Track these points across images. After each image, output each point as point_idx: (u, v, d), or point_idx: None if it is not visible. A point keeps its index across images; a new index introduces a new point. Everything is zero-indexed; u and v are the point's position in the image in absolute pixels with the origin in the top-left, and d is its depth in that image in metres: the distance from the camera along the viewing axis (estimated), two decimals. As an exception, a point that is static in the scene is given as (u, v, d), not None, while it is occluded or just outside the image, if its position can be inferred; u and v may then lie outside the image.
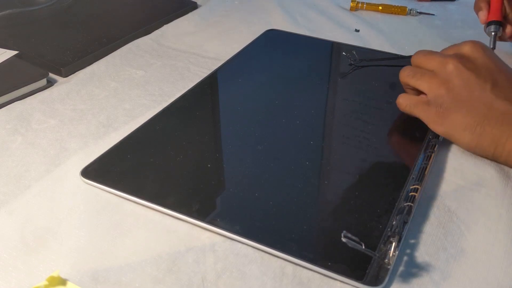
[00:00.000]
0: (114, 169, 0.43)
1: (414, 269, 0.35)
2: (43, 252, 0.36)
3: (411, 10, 0.75)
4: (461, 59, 0.44)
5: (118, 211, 0.40)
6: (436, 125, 0.45)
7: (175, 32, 0.69)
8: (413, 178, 0.42)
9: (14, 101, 0.53)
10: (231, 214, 0.39)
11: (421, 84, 0.46)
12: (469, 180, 0.43)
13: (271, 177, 0.43)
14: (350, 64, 0.60)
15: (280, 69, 0.60)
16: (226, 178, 0.43)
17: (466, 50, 0.45)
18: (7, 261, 0.36)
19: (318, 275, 0.35)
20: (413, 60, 0.48)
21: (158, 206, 0.39)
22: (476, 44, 0.45)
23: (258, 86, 0.56)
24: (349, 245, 0.33)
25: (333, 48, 0.65)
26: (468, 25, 0.71)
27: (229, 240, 0.37)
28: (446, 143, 0.47)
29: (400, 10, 0.76)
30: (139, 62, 0.62)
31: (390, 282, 0.34)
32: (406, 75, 0.48)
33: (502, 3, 0.60)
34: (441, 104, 0.44)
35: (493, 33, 0.60)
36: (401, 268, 0.36)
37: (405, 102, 0.47)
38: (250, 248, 0.37)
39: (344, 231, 0.33)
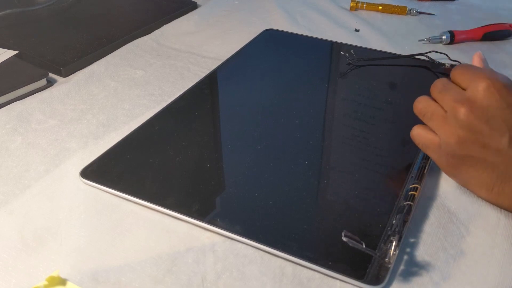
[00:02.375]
0: (114, 169, 0.43)
1: (414, 268, 0.35)
2: (43, 252, 0.36)
3: (411, 10, 0.75)
4: (473, 105, 0.38)
5: (117, 211, 0.40)
6: (449, 174, 0.41)
7: (175, 32, 0.69)
8: (412, 177, 0.42)
9: (14, 101, 0.53)
10: (231, 214, 0.39)
11: (433, 126, 0.41)
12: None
13: (271, 177, 0.43)
14: (348, 64, 0.60)
15: (278, 68, 0.60)
16: (225, 178, 0.43)
17: (480, 93, 0.38)
18: (7, 261, 0.36)
19: (318, 275, 0.35)
20: (431, 91, 0.43)
21: (158, 206, 0.39)
22: (491, 87, 0.38)
23: (257, 86, 0.56)
24: (350, 244, 0.33)
25: (331, 48, 0.65)
26: (468, 25, 0.71)
27: (229, 240, 0.37)
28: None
29: (400, 10, 0.76)
30: (139, 62, 0.62)
31: (391, 281, 0.34)
32: (418, 111, 0.43)
33: None
34: (452, 153, 0.39)
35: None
36: (402, 267, 0.36)
37: (418, 139, 0.42)
38: (250, 248, 0.37)
39: (345, 230, 0.33)
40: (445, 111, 0.40)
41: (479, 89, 0.38)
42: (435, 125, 0.41)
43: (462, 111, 0.38)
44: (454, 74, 0.42)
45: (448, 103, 0.40)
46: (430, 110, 0.41)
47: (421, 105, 0.42)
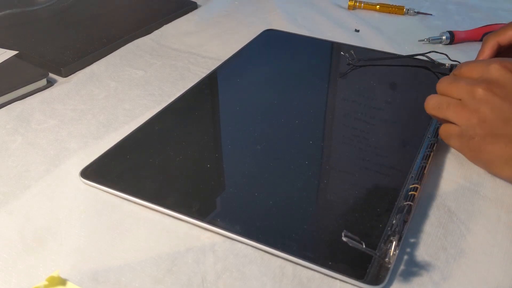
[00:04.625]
0: (114, 169, 0.43)
1: (414, 268, 0.35)
2: (43, 252, 0.36)
3: (408, 9, 0.75)
4: (489, 84, 0.40)
5: (117, 211, 0.40)
6: (472, 159, 0.42)
7: (175, 32, 0.69)
8: (412, 177, 0.42)
9: (14, 101, 0.53)
10: (231, 214, 0.39)
11: (449, 115, 0.42)
12: (468, 180, 0.43)
13: (271, 177, 0.43)
14: (348, 64, 0.60)
15: (278, 69, 0.60)
16: (226, 178, 0.43)
17: (493, 73, 0.40)
18: (7, 261, 0.36)
19: (318, 275, 0.35)
20: (438, 88, 0.44)
21: (158, 206, 0.39)
22: (504, 65, 0.40)
23: (257, 86, 0.56)
24: (350, 245, 0.33)
25: (331, 48, 0.65)
26: (468, 25, 0.71)
27: (229, 240, 0.37)
28: (445, 143, 0.47)
29: (397, 10, 0.76)
30: (139, 62, 0.62)
31: (391, 281, 0.34)
32: (431, 107, 0.44)
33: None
34: (473, 135, 0.40)
35: None
36: (402, 267, 0.36)
37: (442, 133, 0.44)
38: (250, 248, 0.37)
39: (345, 231, 0.33)
40: (459, 99, 0.41)
41: (493, 69, 0.40)
42: (453, 113, 0.42)
43: (479, 91, 0.40)
44: (462, 71, 0.44)
45: (462, 89, 0.41)
46: (445, 101, 0.42)
47: (434, 100, 0.43)
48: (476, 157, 0.42)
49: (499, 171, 0.41)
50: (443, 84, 0.44)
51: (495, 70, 0.40)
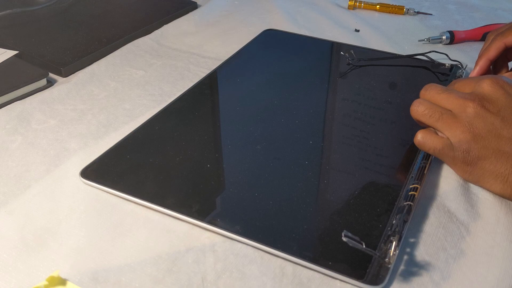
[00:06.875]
0: (114, 169, 0.43)
1: (414, 268, 0.35)
2: (43, 252, 0.36)
3: (408, 9, 0.75)
4: (482, 100, 0.40)
5: (118, 211, 0.40)
6: (464, 173, 0.42)
7: (175, 32, 0.69)
8: (412, 177, 0.42)
9: (14, 101, 0.53)
10: (231, 214, 0.39)
11: (442, 126, 0.42)
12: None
13: (271, 177, 0.43)
14: (348, 64, 0.60)
15: (278, 69, 0.60)
16: (226, 178, 0.43)
17: (486, 89, 0.40)
18: (7, 261, 0.36)
19: (318, 275, 0.35)
20: (425, 95, 0.44)
21: (158, 206, 0.39)
22: (496, 81, 0.40)
23: (257, 86, 0.56)
24: (350, 245, 0.33)
25: (331, 48, 0.65)
26: (468, 25, 0.71)
27: (229, 240, 0.37)
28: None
29: (397, 10, 0.76)
30: (139, 62, 0.62)
31: (391, 281, 0.34)
32: (421, 114, 0.43)
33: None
34: (467, 150, 0.40)
35: None
36: (402, 267, 0.36)
37: (428, 144, 0.42)
38: (250, 248, 0.37)
39: (345, 231, 0.33)
40: (449, 110, 0.41)
41: (485, 85, 0.41)
42: (445, 125, 0.41)
43: (472, 106, 0.40)
44: (455, 87, 0.44)
45: (455, 101, 0.41)
46: (437, 110, 0.42)
47: (424, 107, 0.43)
48: (468, 171, 0.41)
49: (489, 186, 0.41)
50: (432, 93, 0.43)
51: (487, 85, 0.40)
